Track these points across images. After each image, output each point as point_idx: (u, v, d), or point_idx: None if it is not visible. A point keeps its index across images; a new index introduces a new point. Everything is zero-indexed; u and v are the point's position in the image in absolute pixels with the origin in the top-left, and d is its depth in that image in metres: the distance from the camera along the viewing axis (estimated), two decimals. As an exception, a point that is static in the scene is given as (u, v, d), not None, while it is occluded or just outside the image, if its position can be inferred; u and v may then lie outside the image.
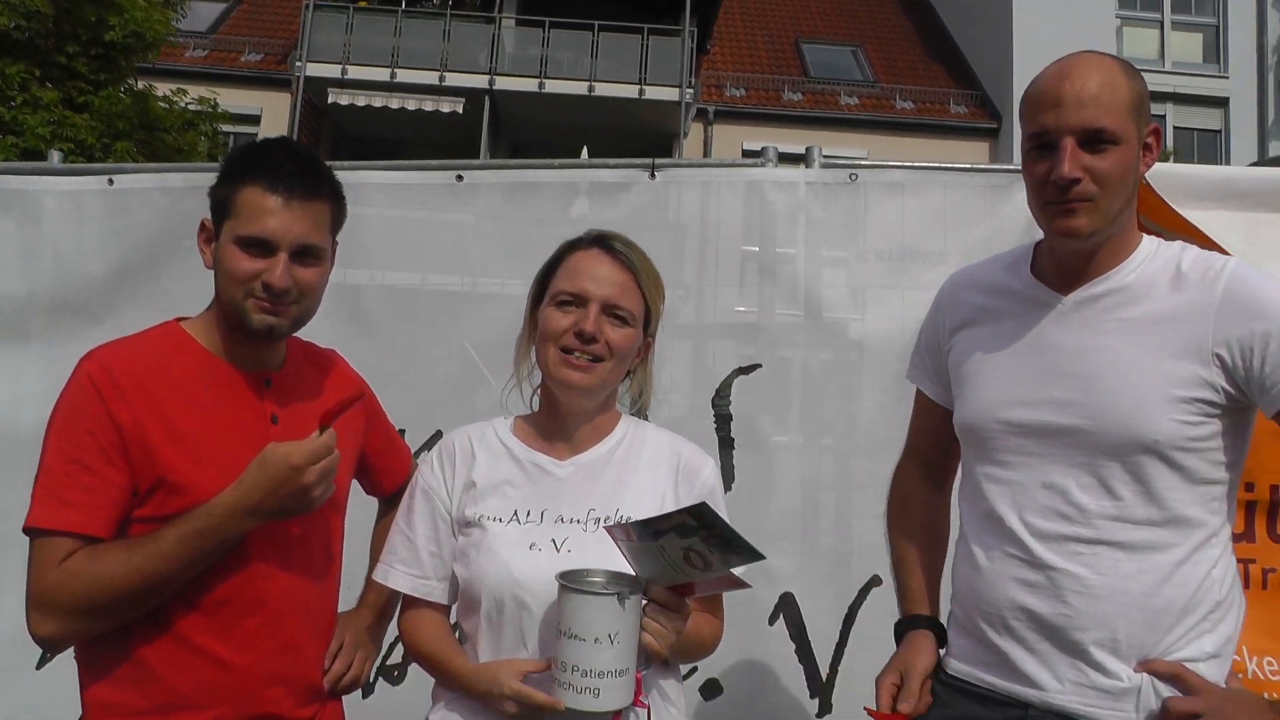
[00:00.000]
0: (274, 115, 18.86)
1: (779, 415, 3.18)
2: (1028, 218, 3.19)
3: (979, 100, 20.83)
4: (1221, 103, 19.77)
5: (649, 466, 1.98)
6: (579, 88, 19.04)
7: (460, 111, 18.49)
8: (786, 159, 3.33)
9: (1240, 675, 2.53)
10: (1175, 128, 19.53)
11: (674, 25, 19.39)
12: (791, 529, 3.10)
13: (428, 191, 3.45)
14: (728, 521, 1.63)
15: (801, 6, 24.48)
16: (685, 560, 1.69)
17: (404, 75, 18.64)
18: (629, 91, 19.08)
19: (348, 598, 2.17)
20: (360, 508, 2.23)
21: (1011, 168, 3.28)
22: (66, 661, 3.20)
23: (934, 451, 2.17)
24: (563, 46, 19.41)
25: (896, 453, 2.28)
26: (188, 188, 3.41)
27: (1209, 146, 19.73)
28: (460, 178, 3.39)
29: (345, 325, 3.31)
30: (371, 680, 3.19)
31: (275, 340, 1.92)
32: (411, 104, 18.43)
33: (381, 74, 18.64)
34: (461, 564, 1.91)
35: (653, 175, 3.29)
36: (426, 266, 3.47)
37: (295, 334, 1.98)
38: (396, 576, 1.97)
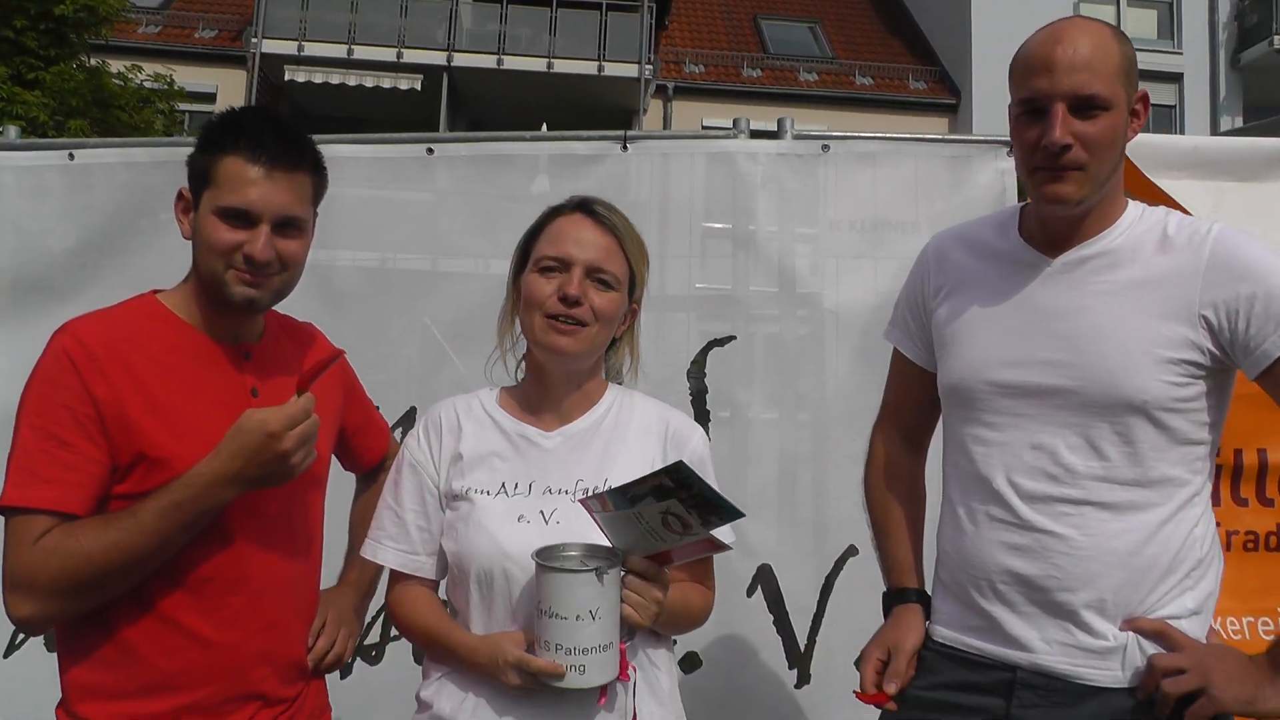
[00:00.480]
0: (229, 93, 18.60)
1: (754, 387, 3.18)
2: (999, 187, 3.27)
3: (938, 76, 20.96)
4: (1175, 78, 20.03)
5: (638, 436, 1.96)
6: (538, 64, 18.96)
7: (418, 88, 18.35)
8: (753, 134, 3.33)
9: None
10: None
11: (632, 2, 19.32)
12: (768, 501, 3.11)
13: (396, 165, 3.40)
14: (706, 480, 1.61)
15: (760, -18, 24.46)
16: (664, 525, 1.67)
17: (361, 52, 18.48)
18: (588, 68, 19.03)
19: (327, 577, 2.15)
20: (336, 486, 2.20)
21: (982, 138, 3.31)
22: (35, 649, 3.17)
23: (913, 415, 2.17)
24: (521, 23, 19.30)
25: (870, 422, 2.28)
26: (152, 162, 3.35)
27: (1163, 121, 19.98)
28: (431, 150, 3.35)
29: (315, 302, 3.26)
30: (349, 660, 3.15)
31: (256, 313, 1.88)
32: (369, 81, 18.29)
33: (339, 50, 18.45)
34: (450, 538, 1.89)
35: (625, 147, 3.27)
36: (395, 242, 3.42)
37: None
38: (385, 552, 1.94)
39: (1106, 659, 1.76)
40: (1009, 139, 3.17)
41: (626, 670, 1.77)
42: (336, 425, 2.09)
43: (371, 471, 2.30)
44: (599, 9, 19.14)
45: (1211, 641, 1.81)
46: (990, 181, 3.22)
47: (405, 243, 3.42)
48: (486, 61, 18.93)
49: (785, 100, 19.61)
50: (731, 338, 3.18)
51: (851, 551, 3.04)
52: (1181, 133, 19.26)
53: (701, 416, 3.12)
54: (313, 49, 18.34)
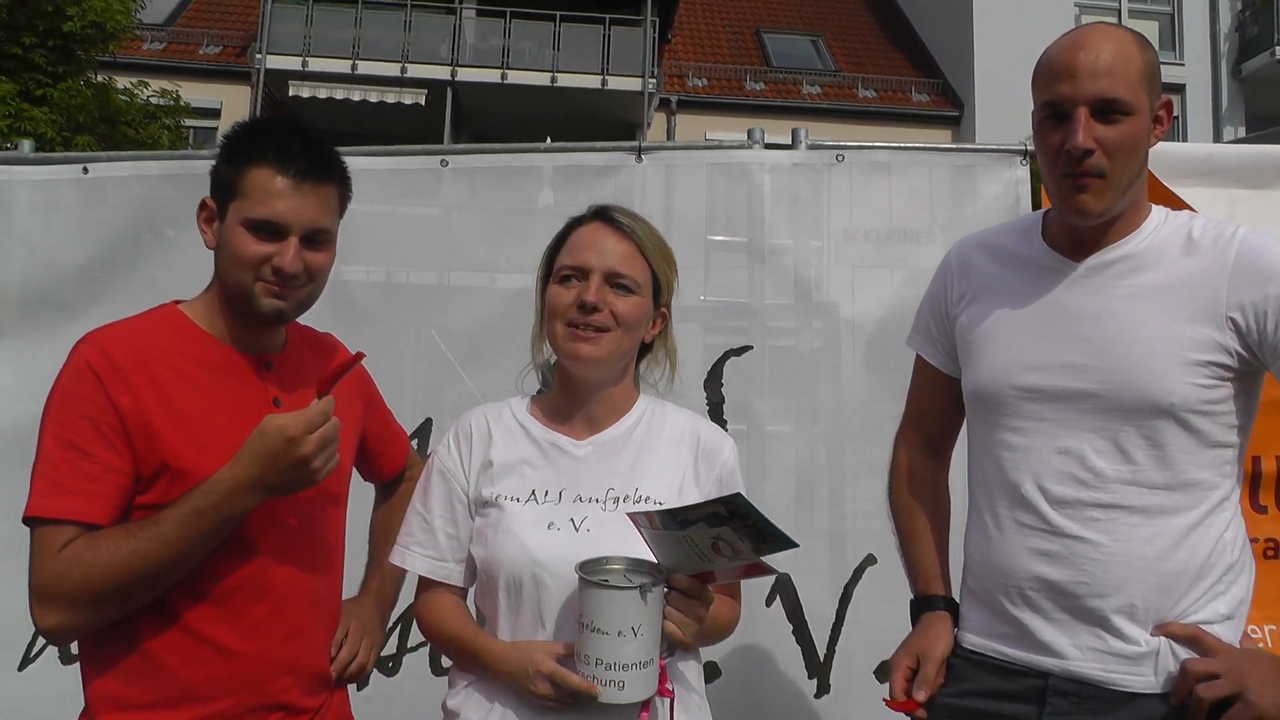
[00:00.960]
0: (234, 108, 18.61)
1: (771, 397, 3.18)
2: (1013, 196, 3.27)
3: (940, 88, 20.96)
4: (1178, 89, 20.00)
5: (669, 445, 1.95)
6: (541, 79, 18.98)
7: (423, 103, 18.37)
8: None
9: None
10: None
11: (635, 16, 19.36)
12: (785, 510, 3.09)
13: (408, 178, 3.41)
14: (761, 512, 1.59)
15: (761, -4, 24.54)
16: (713, 549, 1.66)
17: (365, 67, 18.49)
18: (592, 82, 19.04)
19: (348, 588, 2.14)
20: (355, 498, 2.19)
21: (995, 146, 3.31)
22: (50, 663, 3.16)
23: (936, 421, 2.16)
24: (524, 37, 19.32)
25: (889, 431, 2.28)
26: (164, 175, 3.34)
27: (1167, 134, 19.93)
28: (445, 162, 3.35)
29: (328, 315, 3.23)
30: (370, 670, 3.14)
31: (282, 324, 1.88)
32: (374, 96, 18.30)
33: (343, 66, 18.47)
34: (479, 544, 1.88)
35: (639, 158, 3.28)
36: (408, 254, 3.42)
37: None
38: (413, 558, 1.93)
39: (1139, 664, 1.75)
40: (1021, 148, 3.22)
41: (665, 686, 1.76)
42: (357, 435, 2.08)
43: (391, 482, 2.29)
44: (602, 23, 19.16)
45: (1245, 646, 1.80)
46: (1004, 190, 3.22)
47: (418, 255, 3.42)
48: (490, 76, 18.96)
49: (789, 113, 19.60)
50: (748, 348, 3.17)
51: (870, 561, 3.03)
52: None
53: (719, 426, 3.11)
54: (317, 64, 18.37)
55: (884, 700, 1.97)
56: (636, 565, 1.74)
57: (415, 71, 18.61)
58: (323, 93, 18.18)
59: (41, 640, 3.06)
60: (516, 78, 18.96)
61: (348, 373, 1.76)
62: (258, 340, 1.88)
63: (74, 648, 1.87)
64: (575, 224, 1.98)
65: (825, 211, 3.25)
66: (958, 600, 2.03)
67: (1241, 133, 20.15)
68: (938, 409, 2.14)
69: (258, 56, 18.50)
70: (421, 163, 3.39)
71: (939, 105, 20.68)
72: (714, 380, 3.14)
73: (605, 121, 18.98)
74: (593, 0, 19.20)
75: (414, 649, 3.12)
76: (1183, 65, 20.38)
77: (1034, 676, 1.82)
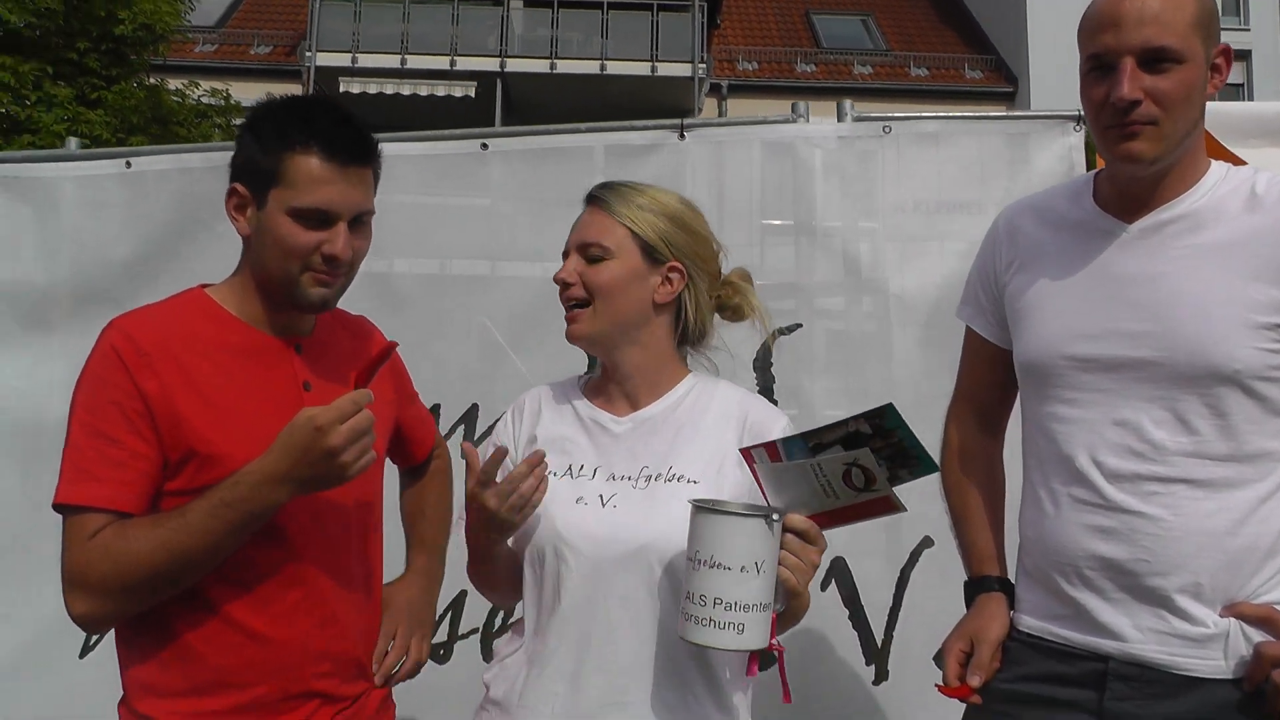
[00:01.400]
0: (286, 107, 18.80)
1: (822, 378, 3.10)
2: (1067, 164, 3.15)
3: (994, 64, 20.64)
4: (1244, 55, 19.51)
5: (714, 423, 1.87)
6: (590, 67, 18.99)
7: (472, 95, 18.47)
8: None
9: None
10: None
11: (683, 1, 19.25)
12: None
13: (450, 163, 3.37)
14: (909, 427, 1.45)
15: (810, -23, 24.28)
16: (844, 479, 1.53)
17: (414, 61, 18.63)
18: (641, 69, 19.02)
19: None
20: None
21: (1047, 113, 3.19)
22: (108, 651, 3.18)
23: (988, 395, 2.07)
24: (572, 26, 19.34)
25: (942, 409, 2.19)
26: (207, 168, 3.33)
27: (1233, 99, 19.47)
28: (485, 146, 3.31)
29: (373, 303, 3.23)
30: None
31: (325, 310, 1.85)
32: (423, 90, 18.42)
33: (392, 61, 18.62)
34: None
35: (682, 135, 3.21)
36: (451, 239, 3.39)
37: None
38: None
39: (1206, 647, 1.65)
40: (1075, 113, 3.10)
41: (775, 640, 1.64)
42: (392, 422, 2.04)
43: (419, 466, 2.25)
44: (650, 9, 19.11)
45: None
46: (1057, 158, 3.10)
47: (461, 242, 3.39)
48: (539, 66, 19.00)
49: (841, 94, 19.26)
50: (797, 326, 3.10)
51: (927, 543, 2.94)
52: (1251, 112, 18.78)
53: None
54: (366, 60, 18.55)
55: (936, 686, 1.89)
56: (750, 505, 1.63)
57: (464, 64, 18.72)
58: (373, 88, 18.35)
59: (100, 629, 3.09)
60: (565, 67, 18.99)
61: (384, 363, 1.72)
62: (287, 324, 1.84)
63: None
64: None
65: (874, 185, 3.16)
66: (1014, 581, 1.94)
67: (1310, 98, 19.60)
68: (989, 383, 2.05)
69: (308, 55, 18.69)
70: (461, 147, 3.35)
71: (992, 81, 20.37)
72: (763, 361, 3.07)
73: (655, 108, 18.87)
74: (641, -13, 19.17)
75: (465, 636, 3.09)
76: (1248, 31, 19.88)
77: (1093, 660, 1.73)
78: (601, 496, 1.80)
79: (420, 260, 3.38)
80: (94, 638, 3.13)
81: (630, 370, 1.89)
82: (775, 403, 3.03)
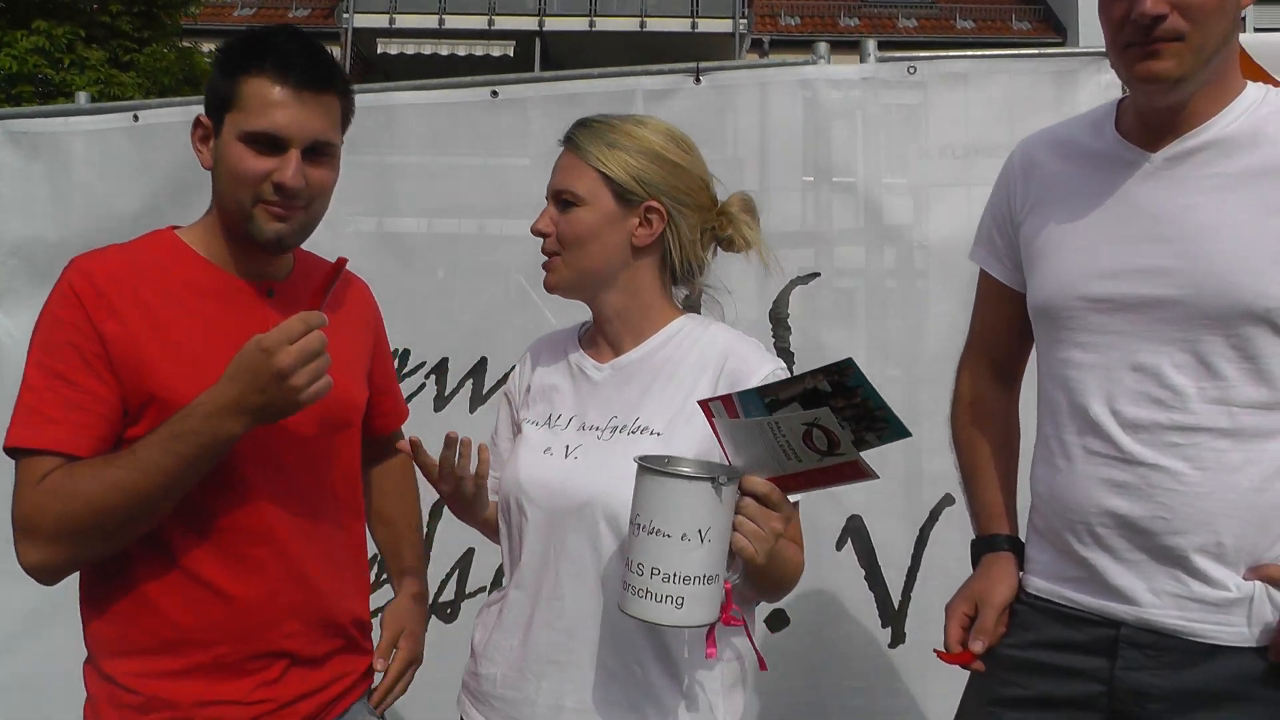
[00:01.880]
0: (325, 68, 18.80)
1: (840, 330, 2.98)
2: (1103, 102, 2.99)
3: (1041, 15, 20.15)
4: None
5: (691, 369, 1.74)
6: (630, 24, 18.78)
7: (511, 54, 18.34)
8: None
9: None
10: (1255, 29, 18.70)
11: (724, -45, 18.94)
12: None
13: (464, 110, 3.28)
14: (874, 386, 1.32)
15: (855, -71, 23.78)
16: (804, 441, 1.38)
17: (452, 21, 18.52)
18: (681, 25, 18.78)
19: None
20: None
21: (1082, 50, 3.03)
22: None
23: (1003, 343, 1.94)
24: (612, -18, 19.10)
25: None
26: (213, 119, 3.29)
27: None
28: (495, 93, 3.21)
29: (382, 256, 3.20)
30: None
31: (282, 252, 1.76)
32: (461, 50, 18.32)
33: (429, 21, 18.52)
34: None
35: (698, 80, 3.09)
36: (464, 189, 3.30)
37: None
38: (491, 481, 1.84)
39: (1228, 613, 1.52)
40: (1112, 51, 2.94)
41: (731, 613, 1.52)
42: (366, 366, 1.95)
43: (382, 439, 2.08)
44: (690, -36, 18.83)
45: None
46: (1093, 97, 2.91)
47: (474, 189, 3.30)
48: (578, 25, 18.81)
49: (885, 49, 19.03)
50: (816, 274, 2.98)
51: (947, 501, 2.82)
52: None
53: (785, 356, 2.93)
54: (404, 21, 18.46)
55: (935, 652, 1.78)
56: (705, 465, 1.51)
57: (502, 24, 18.58)
58: (410, 49, 18.28)
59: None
60: (605, 24, 18.79)
61: (337, 280, 1.62)
62: (260, 267, 1.76)
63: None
64: None
65: (898, 129, 3.02)
66: (1024, 541, 1.83)
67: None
68: (1004, 330, 1.92)
69: (345, 16, 18.61)
70: (472, 95, 3.26)
71: (1041, 32, 19.88)
72: (779, 311, 2.96)
73: (696, 65, 18.69)
74: (681, -60, 18.88)
75: (472, 594, 3.04)
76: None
77: (1105, 625, 1.61)
78: (568, 447, 1.73)
79: (427, 211, 3.30)
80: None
81: (611, 314, 1.79)
82: (792, 356, 2.93)
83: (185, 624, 1.63)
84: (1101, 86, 2.93)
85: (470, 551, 3.02)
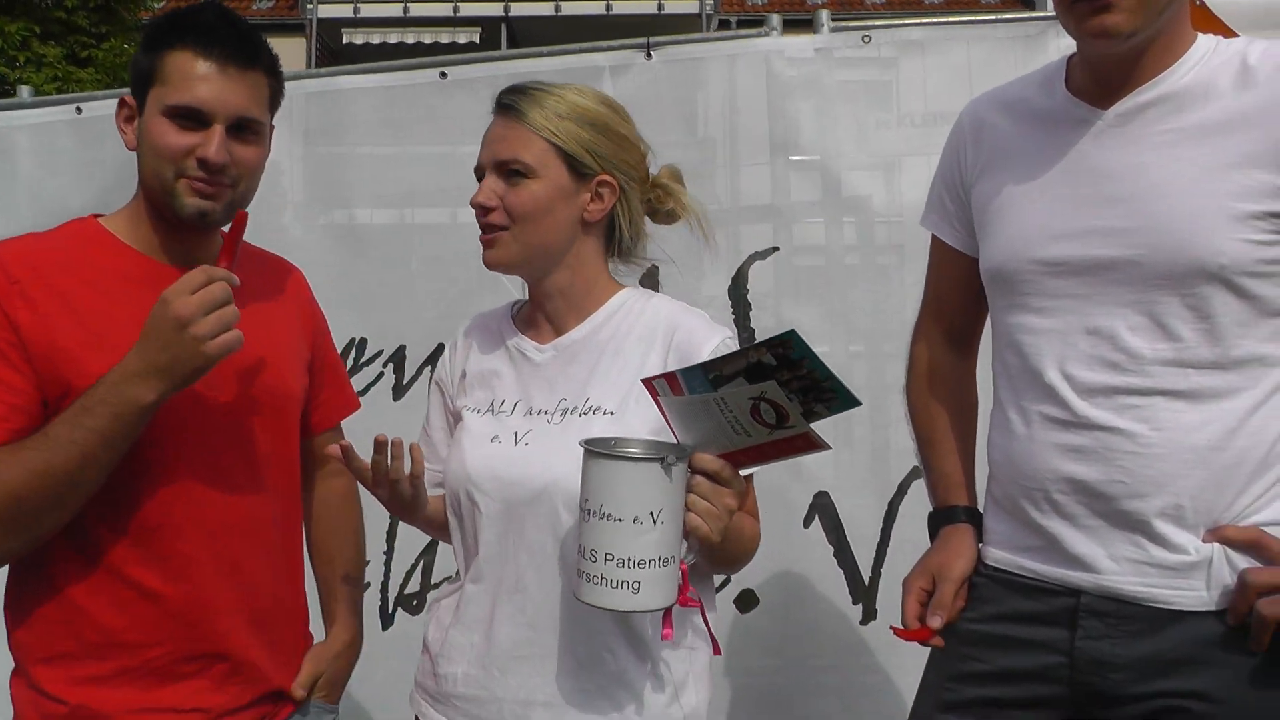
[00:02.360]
0: (289, 62, 18.19)
1: (802, 305, 2.94)
2: (1052, 61, 2.95)
3: (1011, -13, 20.10)
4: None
5: (637, 344, 1.68)
6: (596, 8, 18.68)
7: (477, 41, 18.19)
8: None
9: None
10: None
11: (689, -66, 18.85)
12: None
13: (416, 93, 3.22)
14: (820, 358, 1.28)
15: (819, -94, 23.70)
16: (751, 416, 1.36)
17: (416, 9, 18.36)
18: (647, 7, 18.69)
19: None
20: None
21: (1042, 15, 2.99)
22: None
23: (958, 310, 1.89)
24: (575, -34, 18.99)
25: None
26: (159, 110, 3.22)
27: None
28: (444, 75, 3.15)
29: (336, 246, 3.15)
30: (390, 611, 3.05)
31: (208, 228, 1.69)
32: (427, 37, 18.16)
33: (394, 10, 18.35)
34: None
35: (648, 55, 3.04)
36: (418, 175, 3.24)
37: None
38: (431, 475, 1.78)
39: (1187, 576, 1.48)
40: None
41: (688, 595, 1.49)
42: (304, 356, 1.89)
43: (320, 437, 2.00)
44: (654, -55, 18.73)
45: None
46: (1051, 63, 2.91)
47: (426, 173, 3.24)
48: (544, 9, 18.68)
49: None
50: (774, 249, 2.94)
51: (915, 474, 2.78)
52: None
53: (747, 333, 2.89)
54: (368, 10, 18.29)
55: (892, 628, 1.74)
56: (653, 446, 1.47)
57: (467, 10, 18.43)
58: (376, 38, 18.12)
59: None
60: (570, 9, 18.67)
61: (241, 233, 1.57)
62: (188, 252, 1.69)
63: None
64: None
65: (854, 99, 2.97)
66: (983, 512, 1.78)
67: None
68: (959, 296, 1.87)
69: (309, 6, 18.42)
70: (420, 77, 3.19)
71: (1010, 6, 19.82)
72: (738, 288, 2.92)
73: (664, 48, 18.62)
74: (644, -80, 18.78)
75: (437, 584, 2.99)
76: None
77: (1065, 595, 1.57)
78: (516, 434, 1.66)
79: (383, 198, 3.24)
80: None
81: (554, 291, 1.73)
82: (752, 332, 2.89)
83: (112, 626, 1.57)
84: (1064, 50, 2.88)
85: (434, 543, 2.97)
